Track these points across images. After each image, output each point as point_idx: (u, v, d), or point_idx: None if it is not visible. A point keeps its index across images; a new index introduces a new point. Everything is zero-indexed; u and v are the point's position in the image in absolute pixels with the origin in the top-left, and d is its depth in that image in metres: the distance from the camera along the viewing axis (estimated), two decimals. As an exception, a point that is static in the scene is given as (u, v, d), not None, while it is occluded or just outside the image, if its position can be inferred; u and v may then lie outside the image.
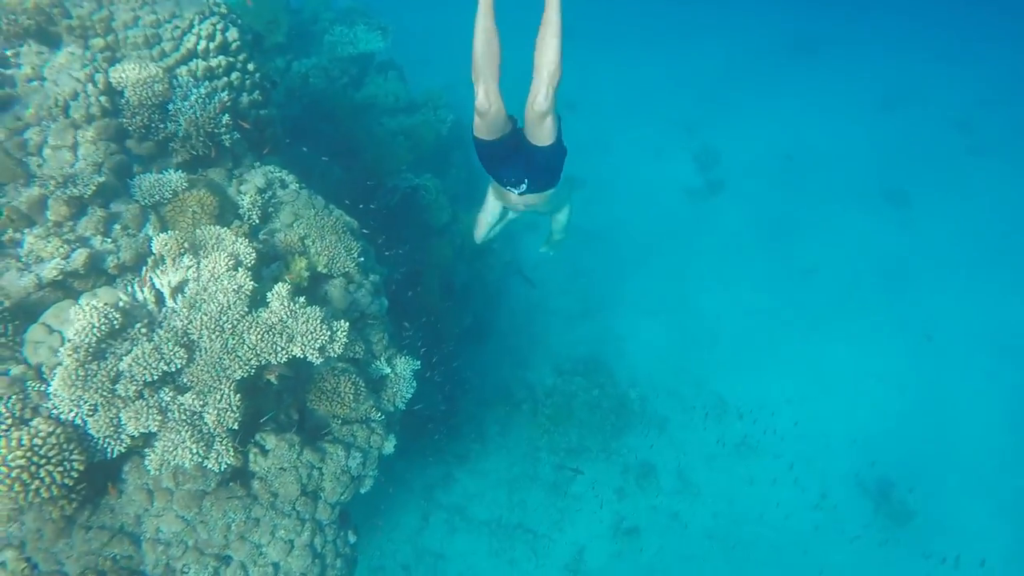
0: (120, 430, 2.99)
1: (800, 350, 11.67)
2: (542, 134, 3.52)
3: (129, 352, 3.06)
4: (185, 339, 3.22)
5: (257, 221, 4.40)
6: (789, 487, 9.77)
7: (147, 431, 2.97)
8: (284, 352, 3.34)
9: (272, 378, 3.54)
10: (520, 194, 4.00)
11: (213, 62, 4.38)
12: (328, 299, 4.44)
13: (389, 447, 4.18)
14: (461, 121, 10.60)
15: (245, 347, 3.28)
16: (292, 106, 8.95)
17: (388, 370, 4.53)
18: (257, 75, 4.90)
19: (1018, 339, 12.20)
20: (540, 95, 3.31)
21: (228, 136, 4.25)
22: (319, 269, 4.36)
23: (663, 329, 11.68)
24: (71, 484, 2.92)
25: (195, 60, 4.28)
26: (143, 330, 3.17)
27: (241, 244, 3.67)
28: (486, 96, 3.39)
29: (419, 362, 4.70)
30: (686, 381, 10.99)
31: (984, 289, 13.01)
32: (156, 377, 3.02)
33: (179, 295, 3.44)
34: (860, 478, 10.19)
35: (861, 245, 13.48)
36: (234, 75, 4.56)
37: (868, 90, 17.75)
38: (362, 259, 4.63)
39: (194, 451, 2.96)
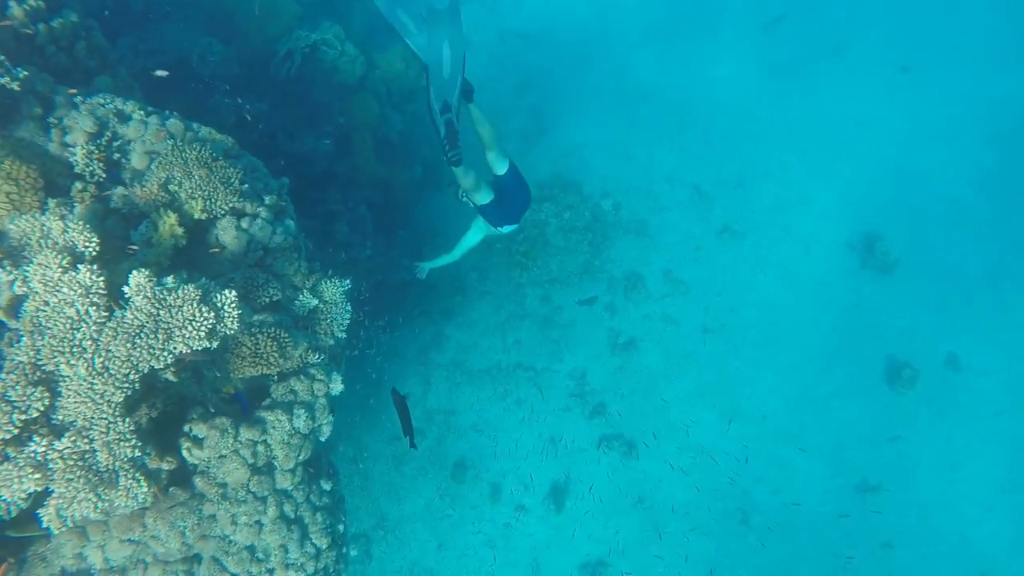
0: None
1: (775, 114, 10.89)
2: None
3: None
4: (39, 373, 2.68)
5: (103, 175, 3.60)
6: (776, 267, 9.70)
7: (29, 493, 2.57)
8: (166, 353, 2.82)
9: (170, 375, 3.06)
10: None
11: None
12: (221, 244, 3.79)
13: (336, 387, 3.82)
14: (345, -61, 8.75)
15: (117, 361, 2.74)
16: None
17: (315, 301, 4.01)
18: (24, -27, 3.69)
19: (988, 59, 11.30)
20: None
21: (8, 76, 3.26)
22: (196, 216, 3.64)
23: (624, 126, 10.78)
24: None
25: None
26: (-16, 377, 2.63)
27: (74, 230, 2.94)
28: None
29: (348, 281, 4.17)
30: (657, 177, 10.42)
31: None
32: (15, 431, 2.54)
33: (19, 314, 2.83)
34: (845, 235, 10.07)
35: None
36: (-13, -13, 3.41)
37: None
38: (246, 185, 3.87)
39: (94, 499, 2.58)
